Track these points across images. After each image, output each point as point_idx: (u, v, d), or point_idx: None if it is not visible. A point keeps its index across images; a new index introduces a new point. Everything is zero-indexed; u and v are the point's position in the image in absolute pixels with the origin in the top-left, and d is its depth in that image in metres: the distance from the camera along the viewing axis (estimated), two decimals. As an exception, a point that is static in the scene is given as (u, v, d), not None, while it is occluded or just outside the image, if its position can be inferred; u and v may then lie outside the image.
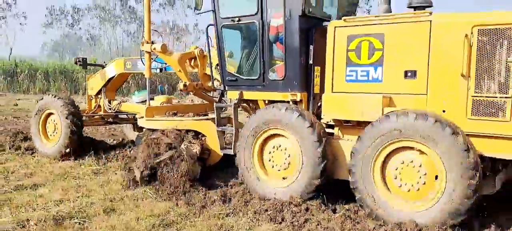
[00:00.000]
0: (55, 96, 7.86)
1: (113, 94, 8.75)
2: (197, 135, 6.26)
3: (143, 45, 6.75)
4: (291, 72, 5.31)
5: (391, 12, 5.00)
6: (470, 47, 4.24)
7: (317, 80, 5.41)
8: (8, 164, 7.11)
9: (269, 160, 5.24)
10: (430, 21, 4.47)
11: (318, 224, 4.31)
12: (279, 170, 5.17)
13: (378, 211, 4.40)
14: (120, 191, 5.58)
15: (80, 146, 7.64)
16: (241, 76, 5.80)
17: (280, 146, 5.15)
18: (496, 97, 4.16)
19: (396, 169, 4.38)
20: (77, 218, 4.53)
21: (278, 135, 5.15)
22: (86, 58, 8.74)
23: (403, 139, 4.28)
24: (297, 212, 4.58)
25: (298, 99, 5.33)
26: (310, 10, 5.33)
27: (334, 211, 4.76)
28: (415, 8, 4.78)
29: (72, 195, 5.38)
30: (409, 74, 4.60)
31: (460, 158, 3.99)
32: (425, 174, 4.22)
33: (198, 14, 6.05)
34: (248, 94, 5.76)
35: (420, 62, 4.53)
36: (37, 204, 4.99)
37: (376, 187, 4.44)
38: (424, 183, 4.23)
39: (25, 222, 4.37)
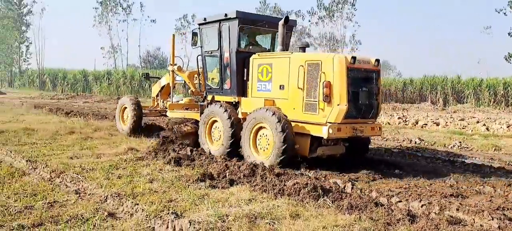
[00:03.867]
0: (128, 97, 12.52)
1: (166, 96, 13.22)
2: (197, 122, 10.23)
3: (169, 66, 11.01)
4: (234, 84, 8.97)
5: (286, 50, 8.37)
6: (304, 73, 7.50)
7: (249, 90, 8.96)
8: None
9: (212, 134, 8.98)
10: (290, 57, 7.82)
11: None
12: (217, 140, 8.86)
13: (249, 159, 7.78)
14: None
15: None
16: (212, 86, 9.64)
17: (217, 126, 8.84)
18: (315, 101, 7.35)
19: (259, 138, 7.81)
20: (267, 219, 4.70)
21: (215, 121, 8.86)
22: (148, 73, 13.42)
23: (260, 122, 7.69)
24: None
25: (236, 101, 8.97)
26: (248, 47, 8.96)
27: None
28: (300, 48, 8.15)
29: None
30: (281, 87, 7.98)
31: (278, 135, 7.27)
32: (268, 141, 7.58)
33: (193, 48, 10.05)
34: (217, 97, 9.56)
35: (285, 80, 7.88)
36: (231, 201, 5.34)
37: (250, 148, 7.89)
38: (268, 145, 7.60)
39: (224, 217, 4.65)
